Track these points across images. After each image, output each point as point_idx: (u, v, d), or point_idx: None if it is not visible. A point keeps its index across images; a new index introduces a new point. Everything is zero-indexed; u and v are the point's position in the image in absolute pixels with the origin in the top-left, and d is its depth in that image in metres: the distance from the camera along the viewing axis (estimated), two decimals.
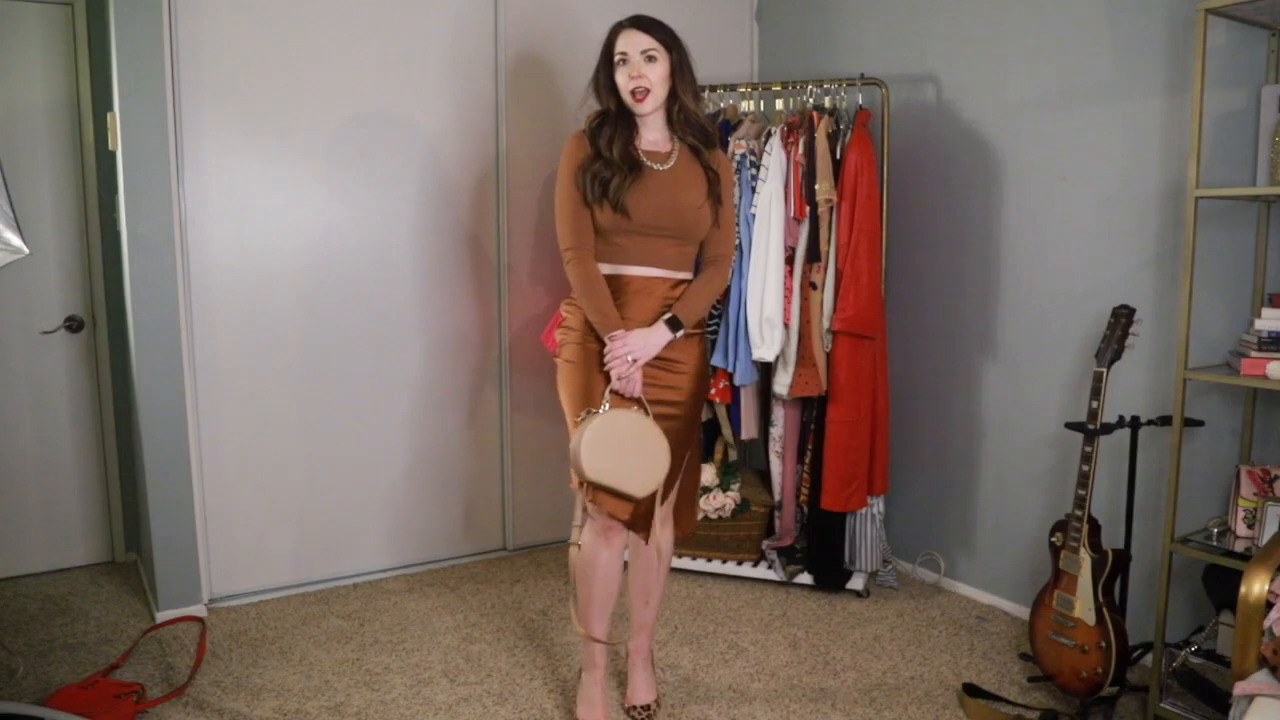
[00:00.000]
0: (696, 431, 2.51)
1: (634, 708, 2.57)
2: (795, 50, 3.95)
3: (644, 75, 2.30)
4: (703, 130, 2.41)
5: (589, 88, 2.42)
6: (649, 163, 2.36)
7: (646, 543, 2.42)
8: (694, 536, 3.55)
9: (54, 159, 3.46)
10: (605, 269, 2.38)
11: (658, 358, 2.37)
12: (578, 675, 2.70)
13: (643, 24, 2.33)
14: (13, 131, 3.36)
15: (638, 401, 2.34)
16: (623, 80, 2.33)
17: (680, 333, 2.37)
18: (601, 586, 2.44)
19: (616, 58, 2.33)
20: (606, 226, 2.34)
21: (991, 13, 3.16)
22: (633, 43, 2.31)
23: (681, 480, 2.51)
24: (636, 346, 2.31)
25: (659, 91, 2.33)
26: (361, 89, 3.34)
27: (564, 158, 2.39)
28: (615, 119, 2.36)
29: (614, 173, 2.31)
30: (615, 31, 2.36)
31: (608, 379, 2.34)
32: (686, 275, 2.44)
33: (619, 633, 2.93)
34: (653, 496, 2.34)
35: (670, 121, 2.40)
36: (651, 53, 2.31)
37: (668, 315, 2.37)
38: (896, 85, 3.41)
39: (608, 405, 2.30)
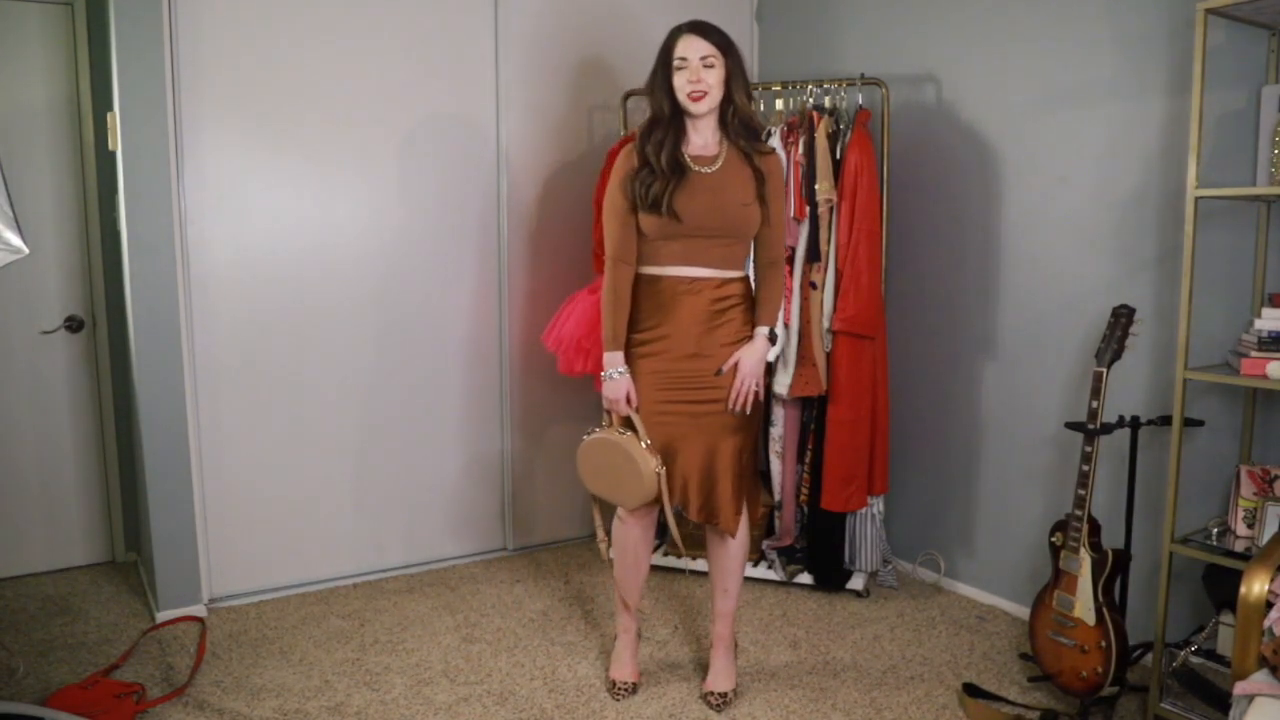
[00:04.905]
0: (742, 434, 2.53)
1: (710, 694, 2.64)
2: (795, 50, 3.95)
3: (702, 79, 2.38)
4: (753, 130, 2.49)
5: (645, 87, 2.50)
6: (695, 166, 2.44)
7: (719, 529, 2.55)
8: (693, 536, 3.56)
9: (54, 159, 3.46)
10: (654, 270, 2.49)
11: (692, 369, 2.48)
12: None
13: (701, 29, 2.40)
14: (13, 131, 3.36)
15: (627, 422, 2.50)
16: (680, 83, 2.40)
17: (778, 342, 2.54)
18: (629, 558, 2.64)
19: (676, 62, 2.40)
20: (654, 232, 2.44)
21: (991, 13, 3.16)
22: (692, 48, 2.38)
23: (718, 477, 2.52)
24: (752, 371, 2.47)
25: (715, 94, 2.40)
26: (361, 89, 3.34)
27: (615, 169, 2.51)
28: (667, 122, 2.44)
29: (660, 178, 2.40)
30: (674, 36, 2.43)
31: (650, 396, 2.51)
32: (734, 274, 2.51)
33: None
34: (709, 485, 2.50)
35: (723, 123, 2.47)
36: (710, 59, 2.38)
37: (762, 330, 2.52)
38: (896, 85, 3.41)
39: (601, 429, 2.52)
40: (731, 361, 2.48)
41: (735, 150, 2.46)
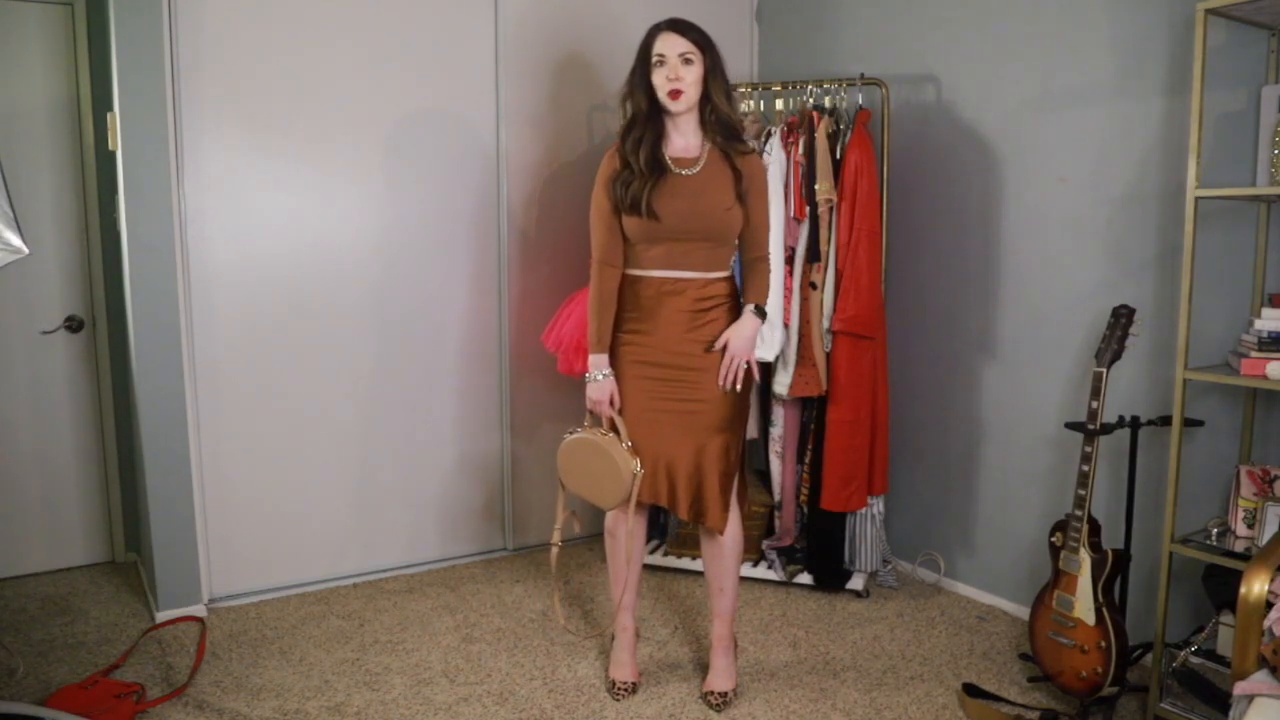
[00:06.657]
0: (728, 433, 2.53)
1: (710, 694, 2.65)
2: (795, 50, 3.95)
3: (680, 77, 2.38)
4: (732, 130, 2.48)
5: (624, 86, 2.49)
6: (676, 168, 2.44)
7: (708, 527, 2.56)
8: (692, 536, 3.56)
9: (54, 159, 3.46)
10: (638, 272, 2.50)
11: (677, 368, 2.49)
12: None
13: (679, 27, 2.40)
14: (13, 131, 3.36)
15: (610, 422, 2.53)
16: (659, 80, 2.40)
17: (764, 319, 2.55)
18: (619, 557, 2.65)
19: (654, 59, 2.40)
20: (637, 234, 2.45)
21: (991, 13, 3.16)
22: (670, 45, 2.38)
23: (705, 475, 2.53)
24: (742, 348, 2.47)
25: (692, 93, 2.40)
26: (361, 89, 3.34)
27: (600, 171, 2.51)
28: (645, 120, 2.45)
29: (639, 177, 2.40)
30: (653, 34, 2.42)
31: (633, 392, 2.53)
32: (719, 274, 2.51)
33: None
34: (697, 482, 2.51)
35: (702, 123, 2.47)
36: (688, 55, 2.38)
37: (750, 307, 2.52)
38: (896, 85, 3.41)
39: (581, 429, 2.53)
40: (721, 341, 2.48)
41: (716, 151, 2.46)
